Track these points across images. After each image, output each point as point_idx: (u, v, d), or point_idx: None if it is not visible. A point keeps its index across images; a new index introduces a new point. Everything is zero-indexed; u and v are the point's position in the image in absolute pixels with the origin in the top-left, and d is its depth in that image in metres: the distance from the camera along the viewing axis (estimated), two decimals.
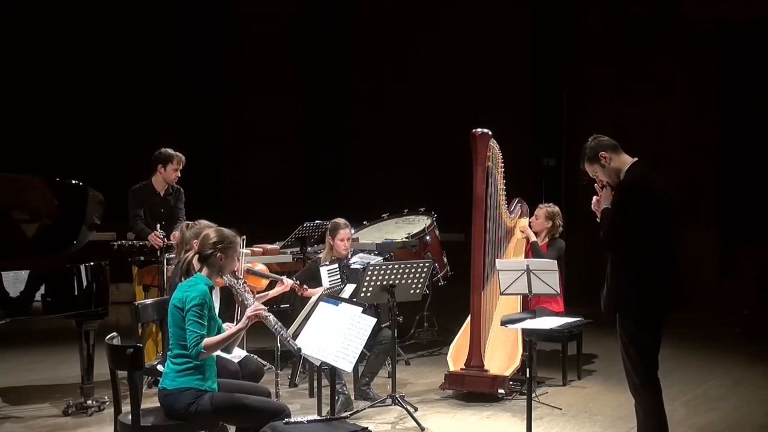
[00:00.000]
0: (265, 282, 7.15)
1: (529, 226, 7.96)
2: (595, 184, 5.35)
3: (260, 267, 7.35)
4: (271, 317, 5.11)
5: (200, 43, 13.63)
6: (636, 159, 5.30)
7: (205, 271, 4.99)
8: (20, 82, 13.08)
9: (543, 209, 8.01)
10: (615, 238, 5.13)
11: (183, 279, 5.02)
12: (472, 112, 11.11)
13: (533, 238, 7.90)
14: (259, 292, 6.75)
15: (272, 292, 6.92)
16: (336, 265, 7.35)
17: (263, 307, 5.10)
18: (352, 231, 8.77)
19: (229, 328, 5.13)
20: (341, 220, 7.50)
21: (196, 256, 5.04)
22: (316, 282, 7.23)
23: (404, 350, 8.75)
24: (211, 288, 4.96)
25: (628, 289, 5.11)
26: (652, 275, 5.08)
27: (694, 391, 7.48)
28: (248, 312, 5.00)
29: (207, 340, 4.81)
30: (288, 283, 6.90)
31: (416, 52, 13.29)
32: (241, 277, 5.52)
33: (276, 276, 7.13)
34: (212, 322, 4.93)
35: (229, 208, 12.47)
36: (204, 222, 5.95)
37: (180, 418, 4.81)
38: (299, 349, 5.33)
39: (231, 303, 6.23)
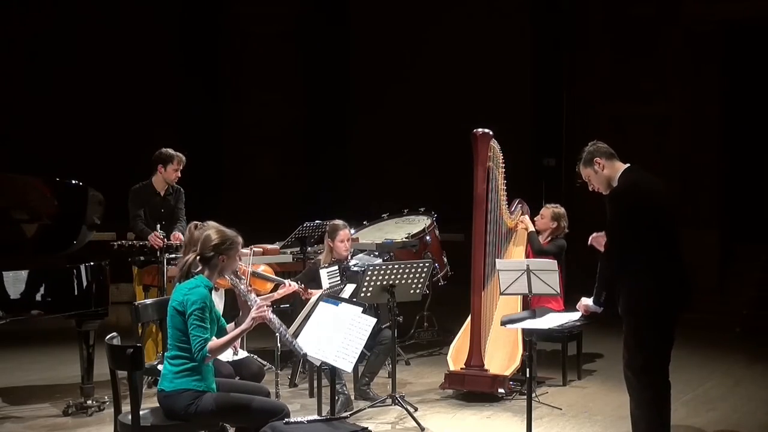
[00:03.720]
0: (270, 285, 7.15)
1: (533, 224, 7.96)
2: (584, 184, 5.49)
3: (262, 268, 7.34)
4: (276, 319, 5.09)
5: (200, 44, 13.65)
6: (628, 165, 5.38)
7: (206, 272, 4.98)
8: (20, 81, 13.08)
9: (549, 209, 7.98)
10: (617, 253, 5.18)
11: (182, 280, 4.98)
12: (472, 112, 11.09)
13: (531, 229, 7.90)
14: (260, 295, 6.73)
15: (276, 294, 6.91)
16: (336, 267, 7.33)
17: (267, 307, 5.05)
18: (352, 231, 8.77)
19: (231, 328, 5.12)
20: (340, 222, 7.47)
21: (198, 258, 5.01)
22: (316, 284, 7.20)
23: (404, 350, 8.75)
24: (211, 289, 4.95)
25: (635, 289, 5.15)
26: (659, 276, 5.13)
27: (694, 391, 7.49)
28: (252, 314, 4.96)
29: (211, 344, 4.80)
30: (292, 285, 6.88)
31: (417, 53, 13.30)
32: (244, 276, 5.50)
33: (279, 279, 7.14)
34: (212, 324, 4.91)
35: (229, 208, 12.46)
36: (212, 223, 5.95)
37: (180, 419, 4.80)
38: (305, 354, 5.31)
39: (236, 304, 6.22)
